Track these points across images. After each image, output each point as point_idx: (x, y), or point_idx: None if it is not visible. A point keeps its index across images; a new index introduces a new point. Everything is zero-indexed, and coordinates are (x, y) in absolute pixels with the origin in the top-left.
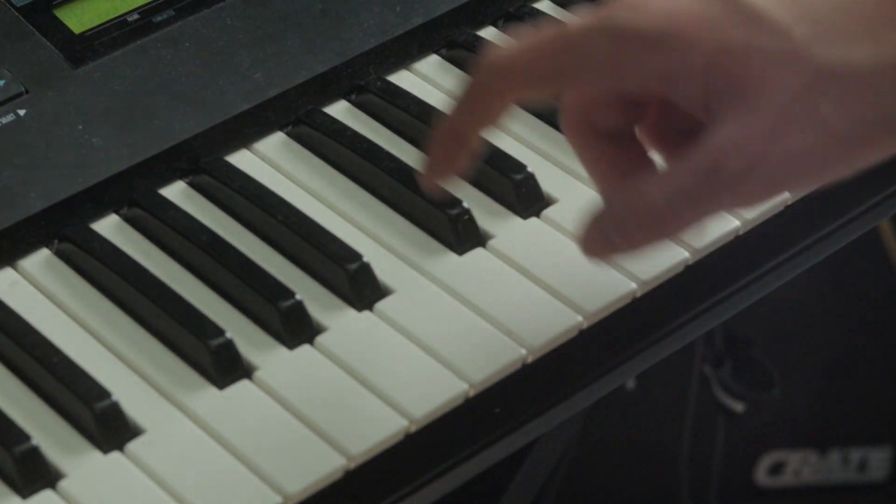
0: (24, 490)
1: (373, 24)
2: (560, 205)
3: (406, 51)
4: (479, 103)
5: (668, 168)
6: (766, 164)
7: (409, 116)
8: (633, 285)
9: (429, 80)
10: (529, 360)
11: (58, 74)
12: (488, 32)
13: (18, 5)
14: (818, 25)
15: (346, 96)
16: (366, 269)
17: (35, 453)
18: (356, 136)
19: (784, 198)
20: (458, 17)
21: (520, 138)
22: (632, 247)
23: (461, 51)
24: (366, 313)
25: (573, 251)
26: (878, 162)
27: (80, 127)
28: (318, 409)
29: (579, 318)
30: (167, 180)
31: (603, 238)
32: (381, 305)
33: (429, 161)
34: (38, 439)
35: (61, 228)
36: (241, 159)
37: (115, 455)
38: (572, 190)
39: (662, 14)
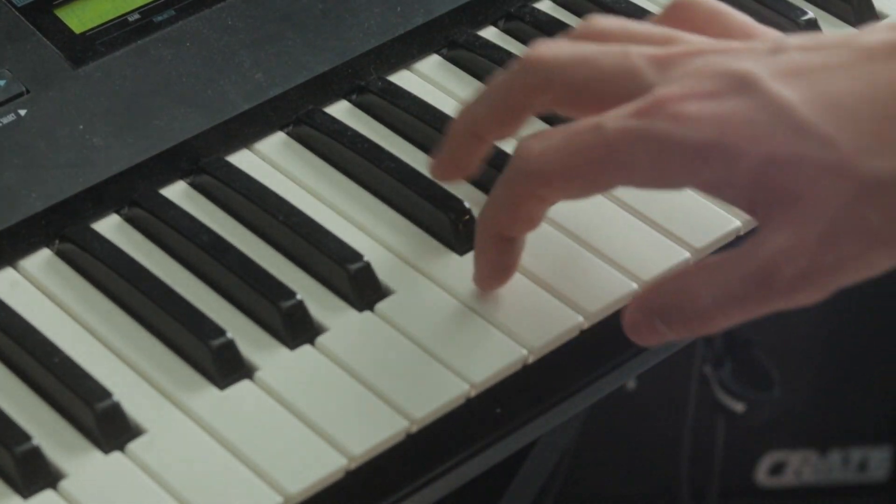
0: (25, 490)
1: (373, 24)
2: (561, 205)
3: (407, 51)
4: (516, 207)
5: (718, 268)
6: (817, 271)
7: (410, 116)
8: (634, 285)
9: (429, 80)
10: (530, 360)
11: (58, 74)
12: (489, 32)
13: (19, 5)
14: (861, 133)
15: (346, 96)
16: (366, 270)
17: (36, 453)
18: (357, 136)
19: None
20: (458, 17)
21: (520, 138)
22: (677, 336)
23: (462, 51)
24: (366, 313)
25: (575, 250)
26: None
27: (81, 127)
28: (318, 410)
29: (580, 318)
30: (168, 180)
31: (650, 325)
32: (381, 306)
33: (478, 268)
34: (39, 439)
35: (62, 228)
36: (242, 159)
37: (115, 455)
38: None
39: (708, 123)
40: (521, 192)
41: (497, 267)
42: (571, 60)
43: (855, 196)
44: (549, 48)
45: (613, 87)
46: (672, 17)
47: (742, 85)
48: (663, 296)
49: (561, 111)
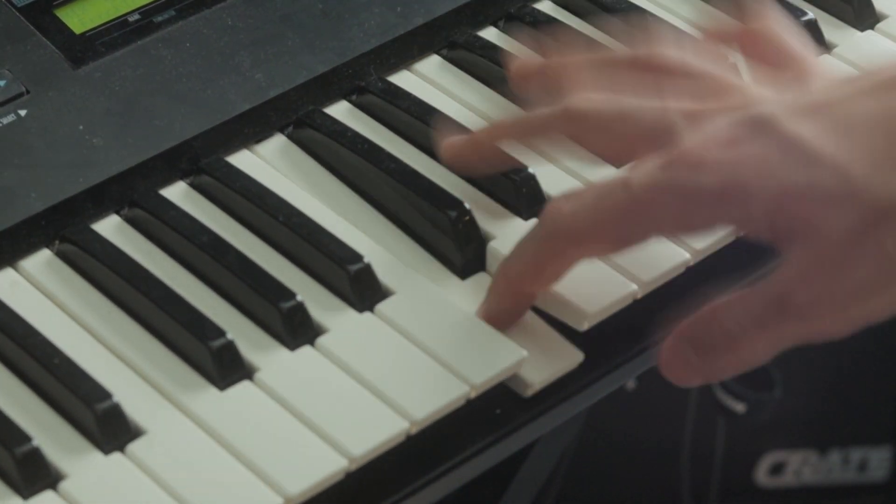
0: (25, 491)
1: (373, 25)
2: None
3: (407, 51)
4: (543, 266)
5: (744, 295)
6: (832, 298)
7: (410, 117)
8: (634, 286)
9: (429, 81)
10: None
11: (58, 75)
12: (489, 33)
13: (19, 5)
14: (875, 158)
15: (346, 97)
16: (367, 270)
17: (36, 454)
18: (357, 136)
19: None
20: (458, 18)
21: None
22: (710, 369)
23: (462, 51)
24: (367, 314)
25: None
26: None
27: (81, 127)
28: (319, 411)
29: (580, 319)
30: (168, 181)
31: (683, 357)
32: (382, 306)
33: (488, 309)
34: (39, 440)
35: (62, 229)
36: (242, 160)
37: (115, 456)
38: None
39: (723, 168)
40: (550, 251)
41: (510, 315)
42: (611, 115)
43: (868, 221)
44: (591, 101)
45: (647, 137)
46: (741, 41)
47: (759, 128)
48: (694, 323)
49: (586, 147)
